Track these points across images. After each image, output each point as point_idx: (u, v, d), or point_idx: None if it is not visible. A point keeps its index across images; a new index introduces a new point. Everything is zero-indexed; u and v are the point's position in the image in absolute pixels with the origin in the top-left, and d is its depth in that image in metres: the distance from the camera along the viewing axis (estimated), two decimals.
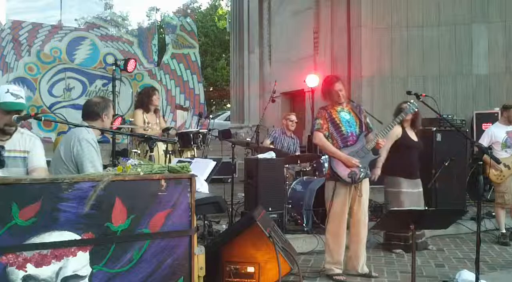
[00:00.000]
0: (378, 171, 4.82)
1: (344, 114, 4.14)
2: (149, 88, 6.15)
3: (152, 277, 2.47)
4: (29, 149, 3.05)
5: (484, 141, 5.48)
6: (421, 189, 5.02)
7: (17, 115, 2.88)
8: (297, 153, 6.57)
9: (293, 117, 6.63)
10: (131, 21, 26.06)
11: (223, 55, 25.91)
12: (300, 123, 10.55)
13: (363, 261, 4.17)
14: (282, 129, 6.58)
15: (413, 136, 4.96)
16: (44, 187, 2.21)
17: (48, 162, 3.30)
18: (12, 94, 2.86)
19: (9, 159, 2.93)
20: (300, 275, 3.68)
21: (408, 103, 4.36)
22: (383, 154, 4.75)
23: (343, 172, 4.00)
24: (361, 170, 4.02)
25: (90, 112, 3.38)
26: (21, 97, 2.91)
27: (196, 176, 2.69)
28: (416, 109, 4.40)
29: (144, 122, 5.54)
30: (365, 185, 4.15)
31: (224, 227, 5.25)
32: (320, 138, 4.10)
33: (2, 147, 2.86)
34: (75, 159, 3.11)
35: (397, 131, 4.87)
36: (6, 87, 2.93)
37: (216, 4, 29.36)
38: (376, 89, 8.86)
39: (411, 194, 4.87)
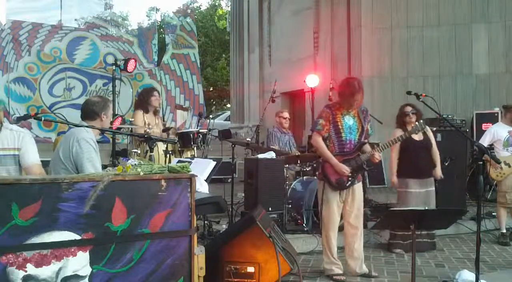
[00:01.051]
0: (394, 179, 4.98)
1: (348, 119, 4.10)
2: (148, 88, 6.11)
3: (152, 277, 2.47)
4: (19, 146, 3.04)
5: (486, 139, 5.52)
6: (431, 188, 5.01)
7: (17, 116, 2.89)
8: (293, 148, 6.58)
9: (286, 114, 6.63)
10: (131, 21, 26.08)
11: (223, 55, 25.89)
12: (300, 124, 10.58)
13: (361, 262, 4.16)
14: (279, 128, 6.59)
15: (416, 136, 4.89)
16: (44, 187, 2.21)
17: (47, 162, 3.30)
18: None
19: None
20: (300, 275, 3.68)
21: (417, 123, 4.32)
22: (394, 157, 4.93)
23: (332, 176, 4.04)
24: (350, 178, 4.04)
25: (89, 112, 3.37)
26: None
27: (196, 176, 2.69)
28: (424, 128, 4.37)
29: (145, 123, 5.51)
30: (358, 189, 4.15)
31: (224, 227, 5.25)
32: (317, 140, 4.11)
33: None
34: (74, 158, 3.11)
35: (398, 135, 4.86)
36: None
37: (216, 4, 29.36)
38: (376, 89, 8.86)
39: (418, 194, 4.89)
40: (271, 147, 6.39)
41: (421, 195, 4.91)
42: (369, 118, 4.25)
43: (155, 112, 5.74)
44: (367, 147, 4.12)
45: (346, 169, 3.99)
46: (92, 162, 3.11)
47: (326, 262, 4.17)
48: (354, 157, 4.06)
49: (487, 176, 5.40)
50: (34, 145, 3.15)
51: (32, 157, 3.09)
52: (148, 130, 5.41)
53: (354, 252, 4.13)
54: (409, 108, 4.96)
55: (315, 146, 4.18)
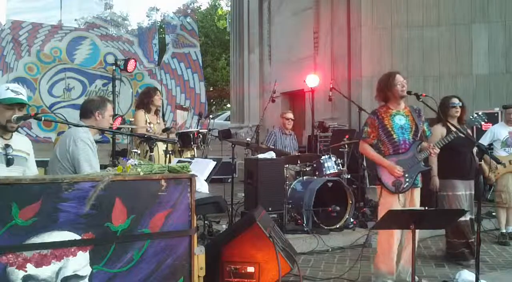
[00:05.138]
0: (436, 180, 4.50)
1: (399, 119, 3.86)
2: (150, 88, 6.12)
3: (152, 277, 2.47)
4: (28, 152, 3.08)
5: (487, 138, 5.54)
6: (473, 191, 4.62)
7: (17, 116, 2.88)
8: (294, 151, 6.59)
9: (289, 115, 6.64)
10: (131, 21, 26.08)
11: (223, 55, 25.88)
12: (300, 124, 10.57)
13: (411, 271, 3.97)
14: (281, 129, 6.59)
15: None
16: (44, 187, 2.21)
17: (47, 162, 3.31)
18: (12, 91, 2.89)
19: (16, 157, 2.96)
20: (300, 275, 3.68)
21: (475, 116, 4.11)
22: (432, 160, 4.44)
23: (388, 179, 3.79)
24: (407, 179, 3.77)
25: (84, 110, 3.42)
26: (21, 93, 2.92)
27: (196, 176, 2.69)
28: (483, 122, 4.11)
29: (146, 122, 5.53)
30: (416, 194, 3.91)
31: (224, 227, 5.25)
32: (364, 148, 3.94)
33: (9, 146, 2.91)
34: (71, 158, 3.12)
35: (441, 131, 4.47)
36: (6, 86, 2.96)
37: (216, 4, 29.36)
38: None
39: (465, 197, 4.54)
40: (266, 145, 6.41)
41: (467, 198, 4.54)
42: (423, 119, 3.99)
43: (156, 112, 5.74)
44: (423, 144, 3.92)
45: (398, 169, 3.74)
46: (89, 162, 3.12)
47: (384, 270, 3.83)
48: (410, 156, 3.81)
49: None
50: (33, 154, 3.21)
51: (34, 167, 3.14)
52: (149, 129, 5.42)
53: (409, 262, 3.80)
54: (456, 100, 4.57)
55: (363, 154, 4.08)
